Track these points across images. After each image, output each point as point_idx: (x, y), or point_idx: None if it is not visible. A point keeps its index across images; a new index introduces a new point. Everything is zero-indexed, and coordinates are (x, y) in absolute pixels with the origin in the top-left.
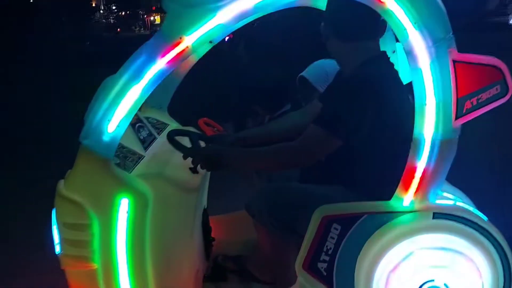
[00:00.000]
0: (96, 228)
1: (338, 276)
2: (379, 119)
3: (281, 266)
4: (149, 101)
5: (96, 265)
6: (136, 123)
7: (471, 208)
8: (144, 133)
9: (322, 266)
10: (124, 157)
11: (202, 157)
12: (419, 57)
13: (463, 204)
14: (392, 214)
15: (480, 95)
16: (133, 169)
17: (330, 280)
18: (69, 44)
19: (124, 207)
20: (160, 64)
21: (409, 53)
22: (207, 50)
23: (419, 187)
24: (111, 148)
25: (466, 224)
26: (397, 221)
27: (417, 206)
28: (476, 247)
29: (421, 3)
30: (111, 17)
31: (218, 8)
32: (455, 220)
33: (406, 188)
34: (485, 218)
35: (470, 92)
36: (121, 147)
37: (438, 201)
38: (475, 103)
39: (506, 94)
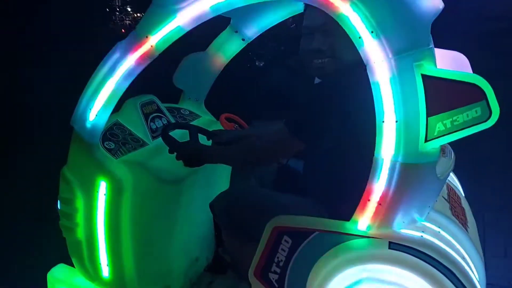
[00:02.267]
0: (80, 204)
1: None
2: (348, 131)
3: (242, 269)
4: (187, 93)
5: (80, 237)
6: (153, 113)
7: (441, 244)
8: (159, 123)
9: (273, 277)
10: (123, 143)
11: (183, 153)
12: (376, 69)
13: (444, 236)
14: (344, 236)
15: (455, 117)
16: (125, 155)
17: None
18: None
19: (102, 189)
20: (130, 61)
21: (367, 64)
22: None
23: (376, 211)
24: (94, 134)
25: (426, 261)
26: (349, 245)
27: (373, 232)
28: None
29: (383, 10)
30: (127, 19)
31: (178, 10)
32: (413, 255)
33: (362, 210)
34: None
35: (443, 112)
36: (128, 133)
37: (405, 231)
38: (448, 125)
39: (487, 119)
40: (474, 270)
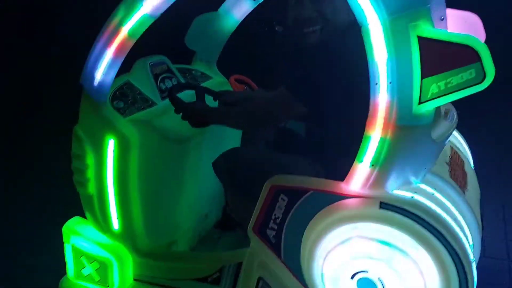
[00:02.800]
0: (90, 160)
1: (285, 247)
2: (345, 92)
3: (245, 226)
4: (199, 54)
5: (91, 191)
6: (163, 73)
7: (432, 205)
8: (169, 84)
9: (270, 233)
10: (132, 102)
11: (188, 113)
12: (369, 31)
13: (438, 198)
14: (337, 196)
15: (449, 78)
16: (134, 114)
17: (278, 249)
18: None
19: (110, 146)
20: (132, 21)
21: (361, 26)
22: None
23: (369, 172)
24: (101, 93)
25: (415, 221)
26: (342, 204)
27: (365, 191)
28: (425, 248)
29: None
30: None
31: None
32: (403, 214)
33: (355, 171)
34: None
35: (437, 73)
36: (138, 93)
37: (397, 192)
38: (442, 87)
39: (481, 81)
40: (468, 233)
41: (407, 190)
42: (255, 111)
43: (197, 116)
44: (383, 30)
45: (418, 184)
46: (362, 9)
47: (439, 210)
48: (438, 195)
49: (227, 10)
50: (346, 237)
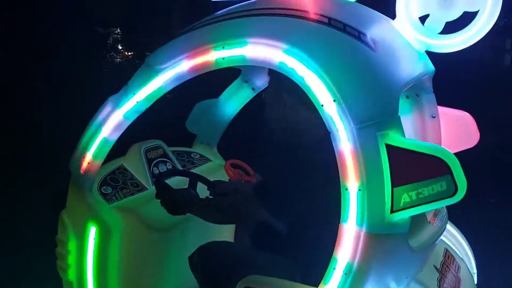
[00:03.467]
0: (72, 246)
1: None
2: (315, 199)
3: None
4: (199, 137)
5: (71, 278)
6: (158, 158)
7: None
8: (163, 168)
9: None
10: (121, 188)
11: (165, 199)
12: (337, 137)
13: None
14: None
15: (420, 189)
16: (120, 200)
17: None
18: None
19: (92, 233)
20: (118, 115)
21: (330, 132)
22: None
23: (342, 281)
24: (86, 180)
25: None
26: None
27: None
28: None
29: (347, 79)
30: (118, 57)
31: (161, 70)
32: None
33: (328, 279)
34: None
35: (408, 183)
36: (130, 177)
37: None
38: (414, 197)
39: (453, 194)
40: None
41: None
42: (222, 208)
43: (173, 204)
44: (350, 138)
45: None
46: (330, 117)
47: None
48: None
49: (228, 97)
50: None
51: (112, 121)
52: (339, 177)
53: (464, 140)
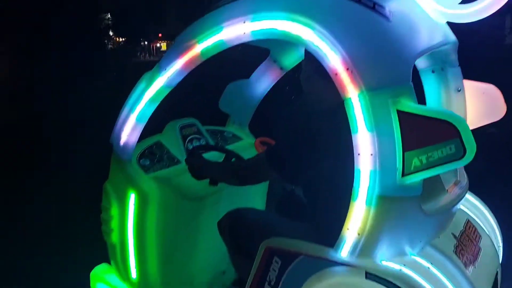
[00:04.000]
0: (115, 212)
1: None
2: (329, 164)
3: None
4: (232, 118)
5: (115, 241)
6: (192, 134)
7: (421, 280)
8: (196, 144)
9: None
10: (158, 160)
11: (188, 165)
12: (351, 104)
13: (433, 273)
14: (326, 262)
15: (430, 153)
16: (157, 172)
17: None
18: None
19: (132, 200)
20: (153, 89)
21: (344, 99)
22: None
23: (356, 241)
24: (126, 152)
25: None
26: (331, 271)
27: (353, 260)
28: None
29: (361, 47)
30: (109, 43)
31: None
32: (387, 287)
33: (343, 238)
34: None
35: (418, 148)
36: (166, 152)
37: (386, 263)
38: (424, 161)
39: (461, 157)
40: None
41: (398, 262)
42: (236, 169)
43: (195, 168)
44: (363, 104)
45: (413, 257)
46: (344, 84)
47: (426, 285)
48: (434, 269)
49: (258, 78)
50: None
51: (147, 96)
52: (352, 145)
53: (491, 113)
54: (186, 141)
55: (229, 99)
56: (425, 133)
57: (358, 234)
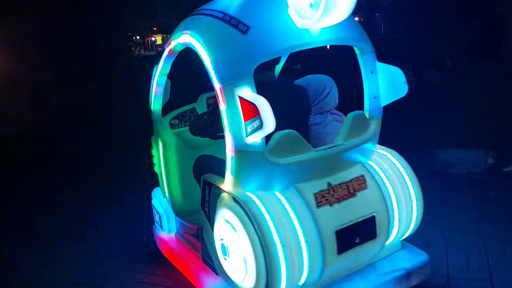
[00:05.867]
0: (155, 152)
1: (211, 221)
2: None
3: None
4: None
5: (157, 171)
6: (212, 104)
7: (261, 206)
8: None
9: (206, 209)
10: (185, 121)
11: (189, 127)
12: (216, 90)
13: (281, 206)
14: (221, 190)
15: (252, 124)
16: (179, 128)
17: (210, 221)
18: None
19: (160, 146)
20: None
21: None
22: None
23: (231, 177)
24: (156, 114)
25: (242, 209)
26: (222, 196)
27: (230, 189)
28: (242, 224)
29: (219, 52)
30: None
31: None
32: (239, 205)
33: (227, 176)
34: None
35: (247, 120)
36: (195, 115)
37: (249, 193)
38: (250, 129)
39: (261, 128)
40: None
41: (257, 194)
42: (196, 126)
43: (190, 128)
44: (221, 91)
45: (275, 192)
46: (214, 77)
47: (263, 211)
48: (286, 204)
49: None
50: (218, 217)
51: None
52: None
53: (397, 91)
54: (209, 108)
55: None
56: (248, 111)
57: (231, 173)
